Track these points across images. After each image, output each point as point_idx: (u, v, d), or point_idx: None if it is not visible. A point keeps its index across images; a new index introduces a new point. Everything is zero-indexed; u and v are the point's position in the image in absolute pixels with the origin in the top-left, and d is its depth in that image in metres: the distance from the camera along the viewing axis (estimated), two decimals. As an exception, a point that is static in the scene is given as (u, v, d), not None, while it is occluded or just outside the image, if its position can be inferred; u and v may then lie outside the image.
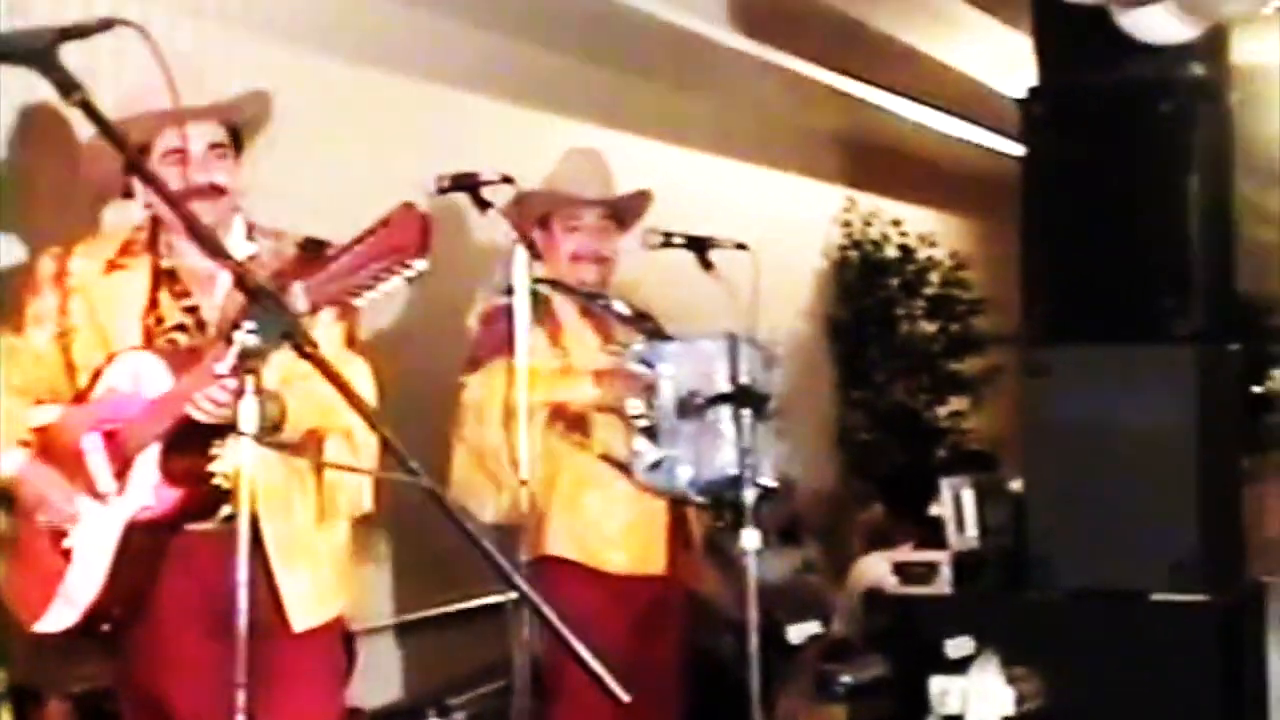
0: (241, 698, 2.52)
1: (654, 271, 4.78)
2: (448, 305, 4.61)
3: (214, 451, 3.33)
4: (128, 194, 3.53)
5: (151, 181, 2.43)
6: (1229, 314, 5.88)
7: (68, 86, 2.36)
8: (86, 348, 3.47)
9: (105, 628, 3.39)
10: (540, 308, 4.29)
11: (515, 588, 2.52)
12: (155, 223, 3.56)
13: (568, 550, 4.33)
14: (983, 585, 5.78)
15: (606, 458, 4.39)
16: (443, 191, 3.74)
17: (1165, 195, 5.62)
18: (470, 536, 2.45)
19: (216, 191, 3.46)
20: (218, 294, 3.48)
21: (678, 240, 4.55)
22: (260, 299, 2.53)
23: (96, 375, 3.41)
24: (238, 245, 3.51)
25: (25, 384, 3.49)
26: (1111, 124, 5.69)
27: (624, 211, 4.62)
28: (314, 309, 2.90)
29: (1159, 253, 5.62)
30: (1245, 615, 5.69)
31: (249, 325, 2.54)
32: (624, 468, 4.36)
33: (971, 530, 5.83)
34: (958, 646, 5.21)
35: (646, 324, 4.59)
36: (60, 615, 3.38)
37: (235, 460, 2.53)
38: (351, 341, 3.59)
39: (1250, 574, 5.97)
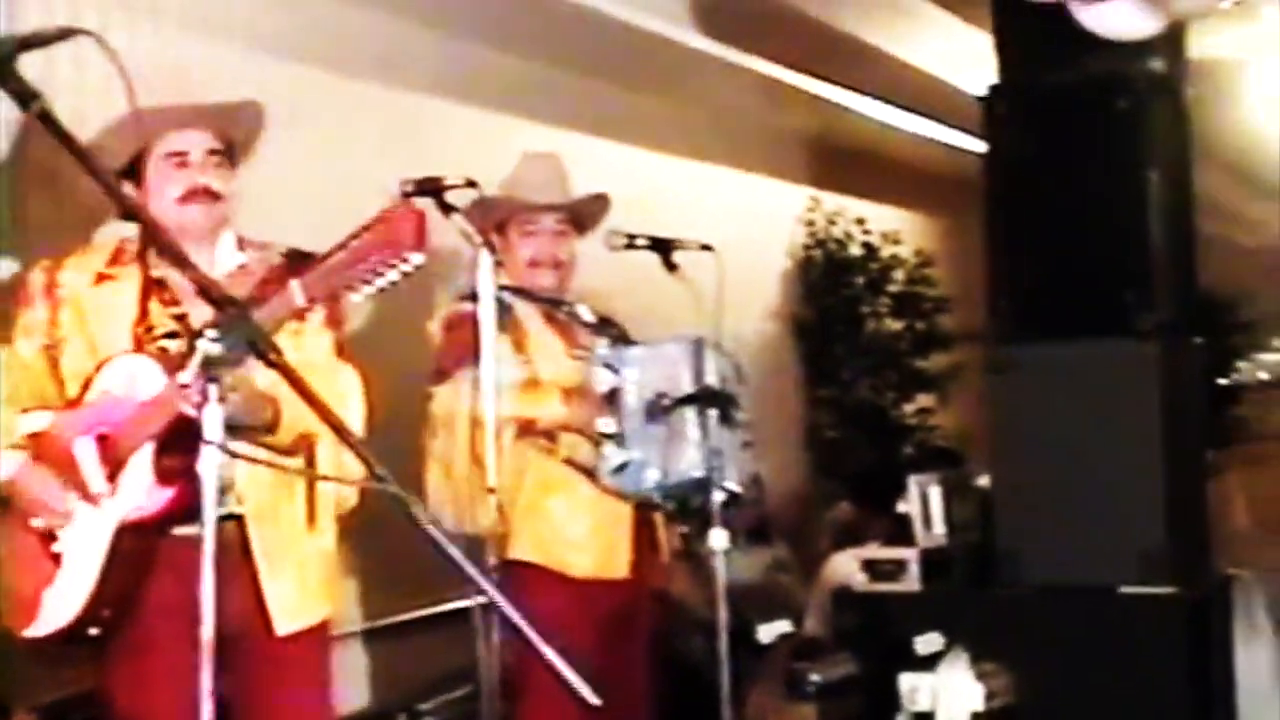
0: (208, 708, 2.50)
1: (618, 274, 4.78)
2: (410, 309, 4.60)
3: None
4: (125, 216, 3.56)
5: (114, 192, 2.42)
6: (1191, 308, 5.91)
7: (26, 97, 2.35)
8: (76, 358, 3.50)
9: (94, 631, 3.38)
10: (504, 315, 4.28)
11: (483, 592, 2.52)
12: (145, 233, 3.53)
13: (531, 554, 4.32)
14: (951, 582, 5.80)
15: (571, 462, 4.38)
16: (407, 196, 3.72)
17: (1126, 190, 5.64)
18: (436, 542, 2.45)
19: (212, 196, 3.53)
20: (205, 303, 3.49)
21: (641, 242, 4.54)
22: (224, 308, 2.53)
23: (88, 382, 3.43)
24: (228, 255, 3.58)
25: (15, 394, 3.51)
26: (1071, 120, 5.71)
27: (582, 215, 4.61)
28: (311, 303, 2.97)
29: (1121, 248, 5.64)
30: (1212, 608, 5.72)
31: (211, 334, 2.54)
32: (589, 472, 4.35)
33: (939, 527, 5.85)
34: (927, 643, 5.22)
35: (611, 329, 4.58)
36: (49, 620, 3.38)
37: (212, 465, 2.52)
38: (341, 349, 3.64)
39: (1217, 567, 6.00)
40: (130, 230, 3.54)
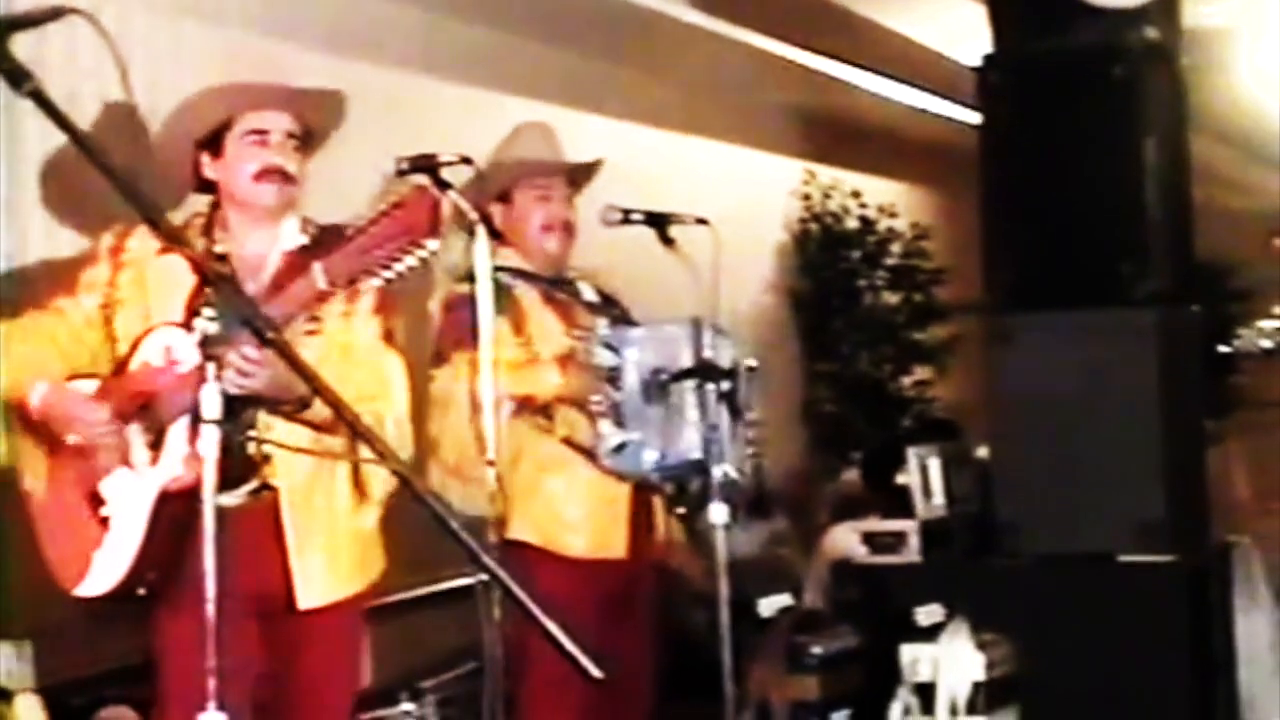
0: (212, 683, 2.50)
1: (613, 250, 4.78)
2: (408, 289, 4.59)
3: (243, 426, 3.41)
4: (200, 188, 3.69)
5: (109, 172, 2.41)
6: (1188, 276, 5.90)
7: (18, 77, 2.34)
8: (129, 320, 3.58)
9: (141, 592, 3.49)
10: (503, 296, 4.26)
11: (485, 568, 2.52)
12: (214, 209, 3.69)
13: (529, 535, 4.30)
14: (951, 553, 5.80)
15: (569, 441, 4.37)
16: (402, 174, 3.71)
17: (1122, 159, 5.63)
18: (439, 518, 2.46)
19: (285, 178, 3.62)
20: (263, 277, 3.59)
21: (637, 217, 4.52)
22: (219, 286, 2.53)
23: (134, 347, 3.52)
24: (290, 235, 3.66)
25: (64, 346, 3.60)
26: (1066, 90, 5.70)
27: (579, 180, 4.61)
28: (333, 286, 3.06)
29: (1117, 217, 5.63)
30: (1212, 576, 5.72)
31: (208, 312, 2.54)
32: (587, 452, 4.34)
33: (938, 498, 5.85)
34: (928, 614, 5.23)
35: (613, 309, 4.57)
36: (98, 580, 3.48)
37: (211, 443, 2.53)
38: (389, 336, 3.72)
39: (1217, 534, 6.01)
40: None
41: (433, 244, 2.95)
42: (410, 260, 2.96)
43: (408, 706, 5.01)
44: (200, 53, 5.31)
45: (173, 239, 2.51)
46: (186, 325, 3.42)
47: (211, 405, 2.55)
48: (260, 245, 3.65)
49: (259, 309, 2.59)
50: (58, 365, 3.56)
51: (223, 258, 3.61)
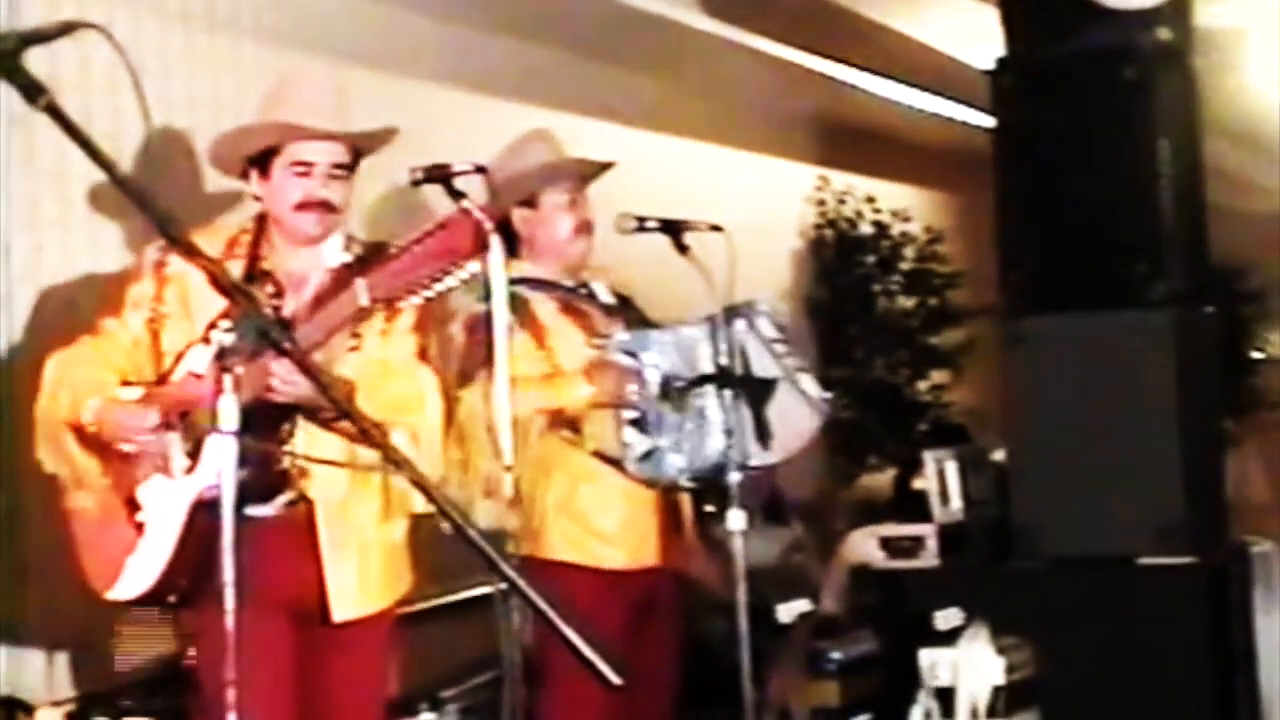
0: (232, 694, 2.51)
1: (629, 257, 4.77)
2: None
3: (282, 436, 3.48)
4: (249, 167, 3.72)
5: (123, 185, 2.42)
6: (1203, 277, 5.89)
7: (33, 91, 2.35)
8: (175, 335, 3.62)
9: (172, 599, 3.53)
10: (521, 310, 4.26)
11: (504, 577, 2.52)
12: (260, 224, 3.72)
13: (566, 553, 4.27)
14: (969, 557, 5.79)
15: (599, 454, 4.35)
16: (416, 184, 3.72)
17: (1135, 161, 5.63)
18: (458, 527, 2.45)
19: (328, 209, 3.65)
20: (306, 293, 3.64)
21: (651, 224, 4.51)
22: (237, 298, 2.53)
23: (179, 359, 3.57)
24: (333, 253, 3.70)
25: (119, 365, 3.64)
26: (1079, 92, 5.70)
27: (594, 178, 4.60)
28: (374, 303, 3.14)
29: (1131, 219, 5.63)
30: (1231, 578, 5.71)
31: (225, 325, 2.55)
32: (615, 462, 4.33)
33: (956, 502, 5.84)
34: (947, 618, 5.22)
35: (630, 312, 4.56)
36: (130, 584, 3.53)
37: (230, 455, 2.55)
38: (423, 353, 3.76)
39: (1235, 536, 5.99)
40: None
41: (474, 266, 3.03)
42: (451, 281, 3.03)
43: (428, 716, 5.01)
44: (213, 65, 5.33)
45: (189, 253, 2.51)
46: None
47: (229, 417, 2.55)
48: (304, 262, 3.69)
49: (276, 321, 2.59)
50: (112, 387, 3.59)
51: (267, 273, 3.67)
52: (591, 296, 4.52)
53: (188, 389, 3.48)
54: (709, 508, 4.59)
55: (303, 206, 3.64)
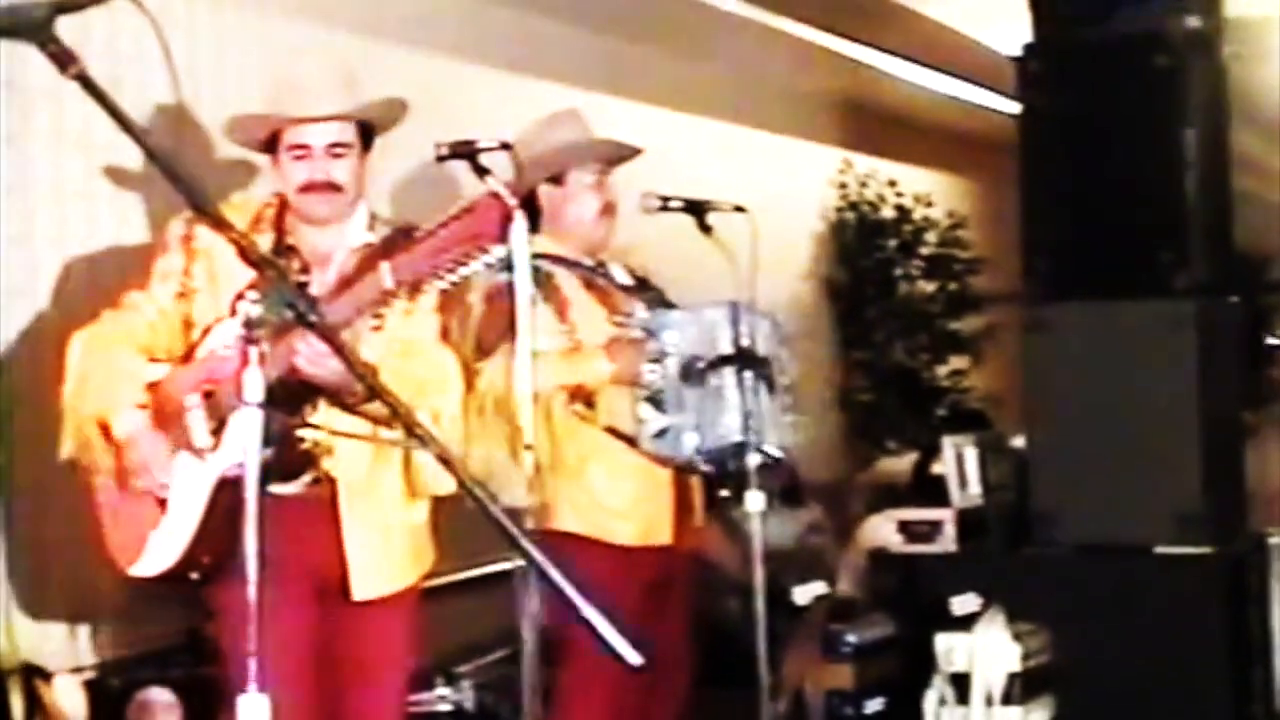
0: (253, 666, 2.51)
1: (651, 237, 4.77)
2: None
3: (306, 415, 3.50)
4: (269, 150, 3.74)
5: (154, 156, 2.42)
6: (1227, 267, 5.87)
7: (64, 60, 2.35)
8: (203, 309, 3.64)
9: (194, 576, 3.54)
10: (545, 284, 4.26)
11: (523, 553, 2.52)
12: (284, 201, 3.74)
13: (575, 525, 4.29)
14: (987, 542, 5.79)
15: (612, 429, 4.36)
16: (442, 159, 3.72)
17: (1162, 149, 5.60)
18: (480, 503, 2.45)
19: (331, 188, 3.66)
20: (330, 272, 3.65)
21: (675, 204, 4.52)
22: (264, 270, 2.53)
23: (205, 334, 3.60)
24: (356, 233, 3.72)
25: (147, 341, 3.65)
26: (1107, 79, 5.68)
27: (621, 161, 4.60)
28: (399, 286, 3.15)
29: (1157, 207, 5.60)
30: (1249, 567, 5.70)
31: (252, 296, 2.55)
32: (629, 439, 4.33)
33: (975, 488, 5.84)
34: (963, 604, 5.22)
35: (649, 292, 4.56)
36: (153, 561, 3.54)
37: (254, 427, 2.55)
38: (445, 334, 3.79)
39: (1254, 526, 5.98)
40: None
41: (499, 250, 3.05)
42: (476, 265, 3.05)
43: (444, 691, 5.03)
44: (240, 39, 5.33)
45: (218, 225, 2.51)
46: None
47: (254, 389, 2.55)
48: (327, 240, 3.71)
49: (302, 294, 2.60)
50: (140, 373, 3.58)
51: (292, 248, 3.69)
52: (608, 276, 4.52)
53: (212, 365, 3.49)
54: (724, 492, 4.59)
55: (306, 188, 3.65)
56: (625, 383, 4.29)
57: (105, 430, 3.55)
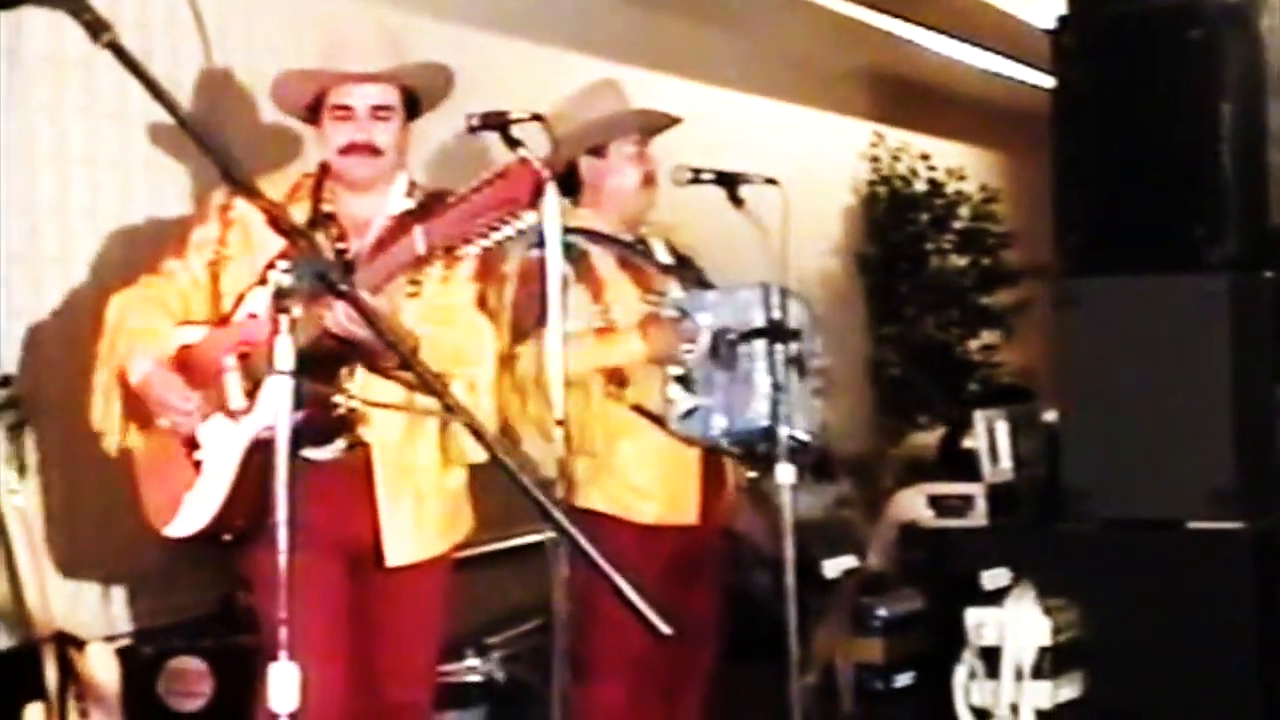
0: (284, 633, 2.52)
1: (681, 211, 4.75)
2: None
3: (340, 381, 3.51)
4: (312, 116, 3.75)
5: (185, 124, 2.43)
6: (1262, 242, 5.83)
7: (97, 28, 2.36)
8: (236, 277, 3.66)
9: (227, 537, 3.56)
10: (579, 263, 4.24)
11: (556, 525, 2.53)
12: (323, 170, 3.75)
13: (600, 503, 4.27)
14: (1018, 517, 5.77)
15: (639, 408, 4.34)
16: (473, 130, 3.70)
17: (1197, 123, 5.57)
18: (511, 474, 2.46)
19: (372, 151, 3.66)
20: (369, 239, 3.66)
21: (707, 176, 4.49)
22: (295, 239, 2.54)
23: (239, 300, 3.61)
24: (396, 200, 3.73)
25: (179, 307, 3.69)
26: (1142, 52, 5.65)
27: (658, 133, 4.57)
28: (431, 251, 3.16)
29: (1191, 181, 5.58)
30: (1281, 542, 5.68)
31: (283, 265, 2.55)
32: (656, 418, 4.31)
33: (1006, 462, 5.82)
34: (994, 578, 5.21)
35: (689, 271, 4.54)
36: (186, 521, 3.57)
37: (285, 394, 2.56)
38: (483, 302, 3.79)
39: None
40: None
41: (531, 216, 3.07)
42: (508, 230, 3.06)
43: (474, 662, 5.05)
44: (271, 6, 5.33)
45: (249, 193, 2.52)
46: None
47: (285, 357, 2.55)
48: (366, 208, 3.72)
49: (337, 262, 2.60)
50: (168, 334, 3.62)
51: (330, 216, 3.70)
52: (648, 253, 4.50)
53: (246, 330, 3.52)
54: (752, 474, 4.57)
55: (347, 150, 3.66)
56: (659, 363, 4.27)
57: (124, 383, 3.59)
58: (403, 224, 3.52)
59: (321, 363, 3.33)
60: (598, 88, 4.52)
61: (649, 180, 4.45)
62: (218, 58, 4.87)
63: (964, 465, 6.01)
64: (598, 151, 4.41)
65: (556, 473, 3.66)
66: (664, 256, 4.52)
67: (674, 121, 4.55)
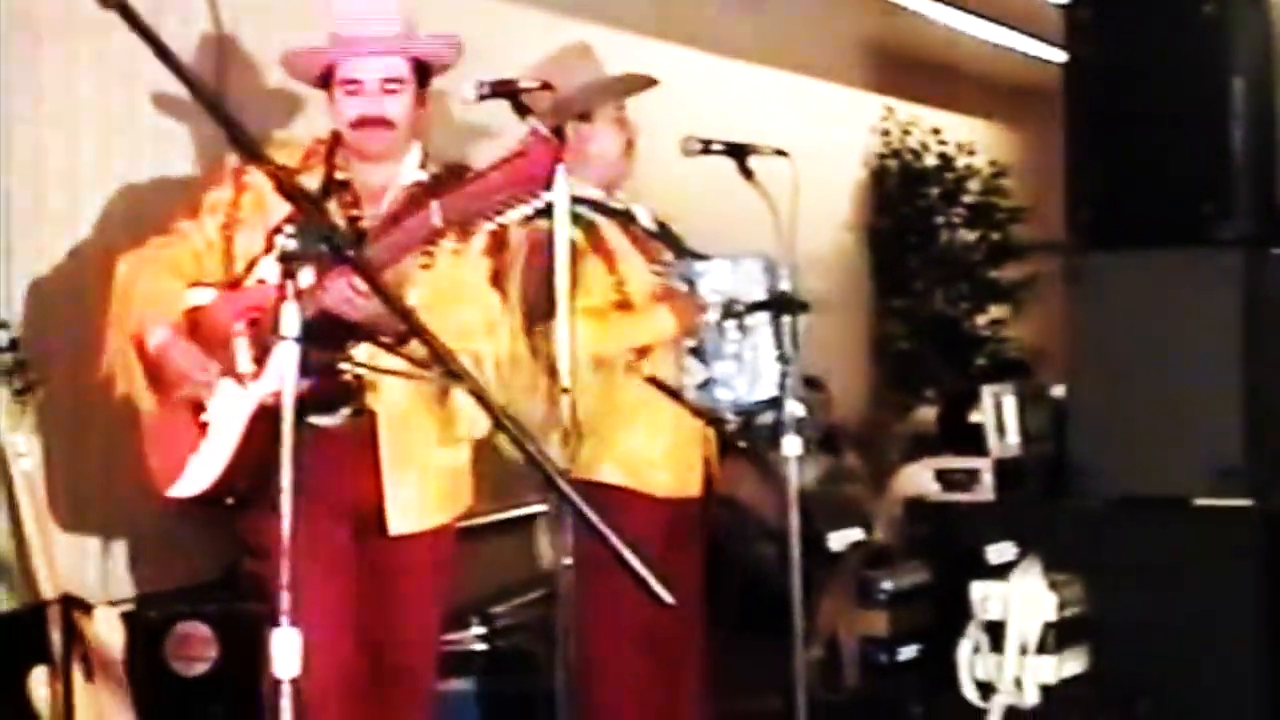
0: (285, 599, 2.52)
1: (692, 181, 4.74)
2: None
3: (348, 350, 3.49)
4: (324, 86, 3.74)
5: (195, 88, 2.42)
6: (1272, 218, 5.82)
7: (105, -9, 2.34)
8: (248, 241, 3.66)
9: (230, 500, 3.57)
10: (590, 232, 4.22)
11: (561, 493, 2.53)
12: (336, 137, 3.75)
13: (616, 476, 4.24)
14: (1025, 492, 5.77)
15: (655, 380, 4.31)
16: (483, 98, 3.68)
17: (1209, 99, 5.55)
18: (518, 442, 2.46)
19: (384, 124, 3.66)
20: (383, 208, 3.66)
21: (716, 147, 4.46)
22: (302, 205, 2.53)
23: (251, 265, 3.62)
24: (409, 171, 3.73)
25: (192, 270, 3.69)
26: (1153, 27, 5.63)
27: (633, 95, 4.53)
28: (447, 224, 3.16)
29: (1202, 157, 5.56)
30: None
31: (289, 230, 2.55)
32: (673, 391, 4.29)
33: (1013, 437, 5.82)
34: (999, 552, 5.21)
35: (670, 238, 4.50)
36: (190, 482, 3.58)
37: (291, 360, 2.56)
38: (496, 278, 3.77)
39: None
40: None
41: (548, 195, 3.09)
42: (524, 208, 3.06)
43: (478, 631, 5.05)
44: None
45: (256, 158, 2.51)
46: None
47: (290, 323, 2.55)
48: (380, 177, 3.71)
49: (348, 229, 2.59)
50: (179, 296, 3.62)
51: (345, 184, 3.70)
52: (634, 220, 4.47)
53: (255, 295, 3.52)
54: (742, 444, 4.56)
55: (358, 124, 3.65)
56: (684, 337, 4.25)
57: (141, 347, 3.58)
58: (416, 195, 3.52)
59: (330, 332, 3.32)
60: (572, 51, 4.44)
61: (630, 145, 4.42)
62: (227, 22, 4.86)
63: (966, 439, 6.00)
64: (584, 117, 4.35)
65: (561, 443, 3.66)
66: (648, 224, 4.49)
67: (652, 83, 4.47)
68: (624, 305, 4.25)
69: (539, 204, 3.10)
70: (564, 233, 3.72)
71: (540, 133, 3.36)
